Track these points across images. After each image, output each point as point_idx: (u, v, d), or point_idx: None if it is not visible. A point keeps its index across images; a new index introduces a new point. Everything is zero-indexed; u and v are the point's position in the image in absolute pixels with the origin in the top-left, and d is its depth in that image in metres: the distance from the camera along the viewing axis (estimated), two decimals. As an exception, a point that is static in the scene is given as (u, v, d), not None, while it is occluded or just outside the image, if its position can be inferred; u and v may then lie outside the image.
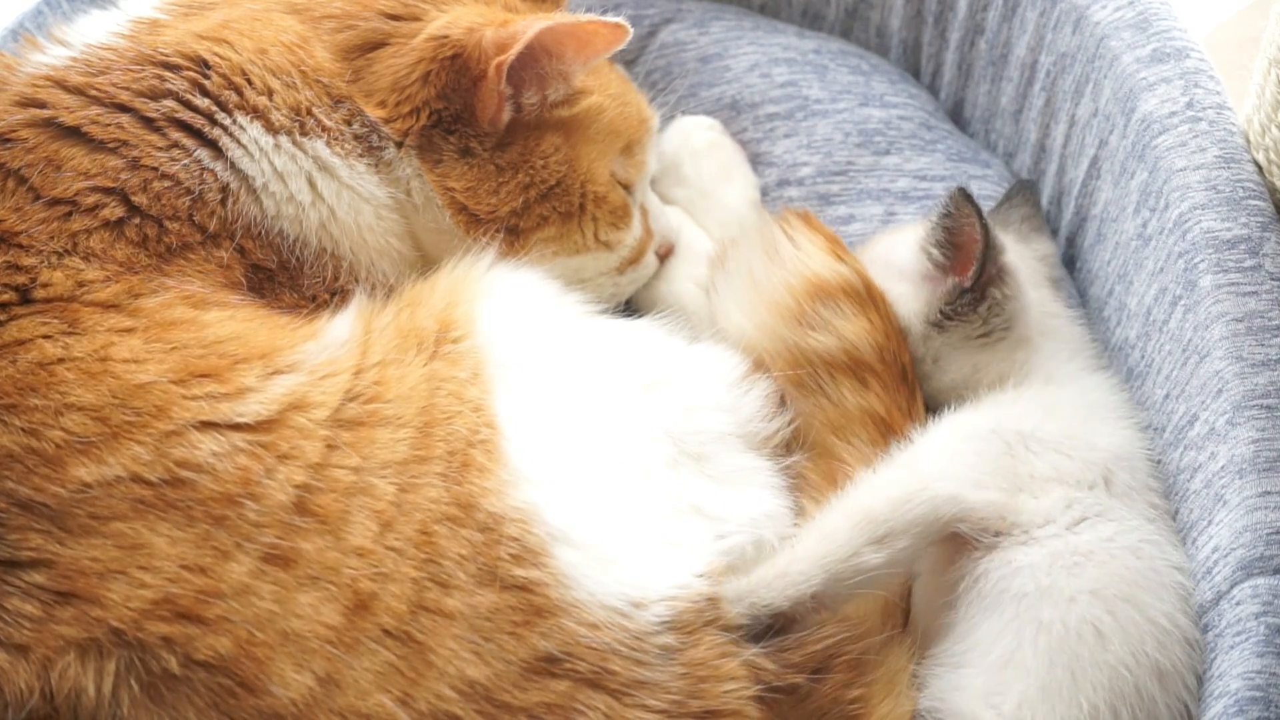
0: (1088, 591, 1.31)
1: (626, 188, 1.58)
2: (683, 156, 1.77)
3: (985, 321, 1.49)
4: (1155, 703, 1.30)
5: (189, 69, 1.39)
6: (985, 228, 1.46)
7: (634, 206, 1.59)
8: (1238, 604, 1.29)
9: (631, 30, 1.48)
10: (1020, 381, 1.48)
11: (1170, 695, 1.30)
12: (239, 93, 1.39)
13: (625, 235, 1.57)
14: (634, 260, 1.61)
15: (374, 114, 1.44)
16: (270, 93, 1.41)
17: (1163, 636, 1.31)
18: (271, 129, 1.40)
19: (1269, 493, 1.31)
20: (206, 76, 1.39)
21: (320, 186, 1.42)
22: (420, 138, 1.45)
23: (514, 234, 1.49)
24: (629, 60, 1.89)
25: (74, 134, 1.35)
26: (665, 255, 1.66)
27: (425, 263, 1.50)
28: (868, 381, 1.47)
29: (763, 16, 1.95)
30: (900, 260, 1.54)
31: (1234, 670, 1.26)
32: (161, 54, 1.40)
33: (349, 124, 1.44)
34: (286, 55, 1.43)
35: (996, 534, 1.36)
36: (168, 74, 1.39)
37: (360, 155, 1.44)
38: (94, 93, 1.37)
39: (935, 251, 1.49)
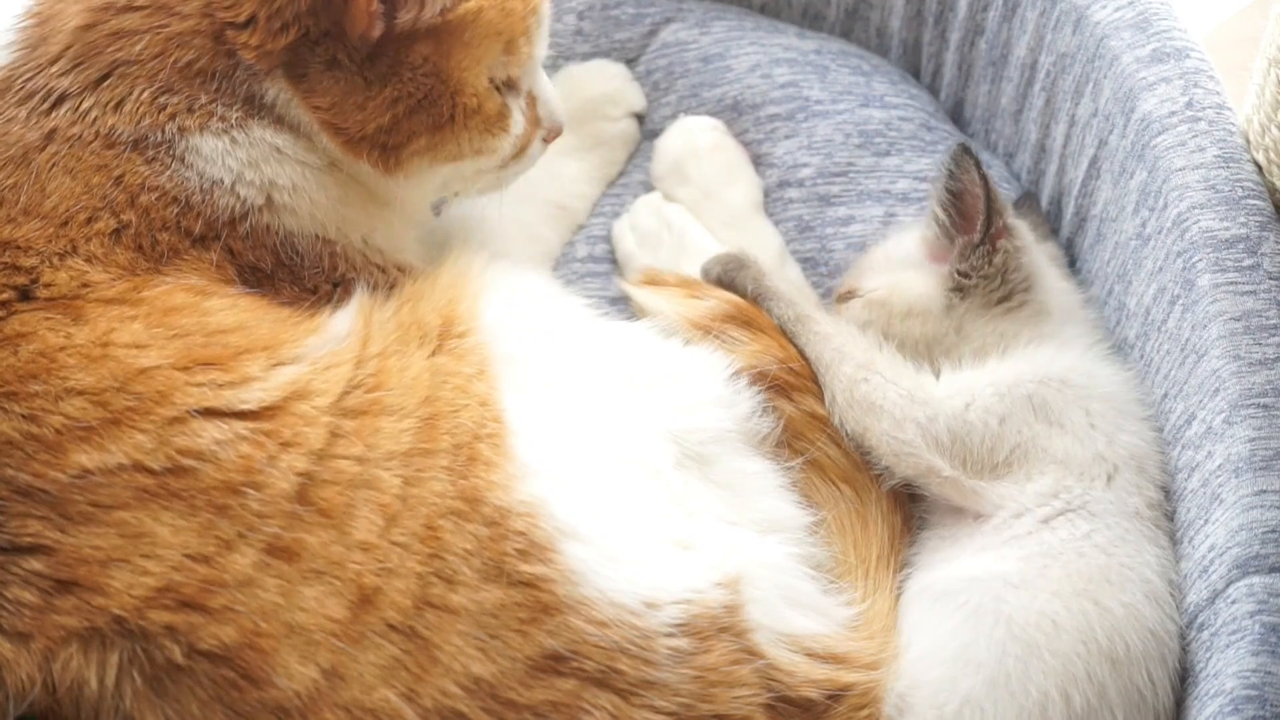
0: (1049, 592, 1.33)
1: (508, 84, 1.50)
2: (686, 157, 1.78)
3: (1004, 279, 1.50)
4: (1106, 688, 1.31)
5: (124, 106, 1.37)
6: (985, 179, 1.47)
7: (515, 105, 1.50)
8: (1233, 602, 1.29)
9: None
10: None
11: (1124, 680, 1.32)
12: (172, 118, 1.37)
13: (501, 140, 1.49)
14: (517, 155, 1.54)
15: (243, 43, 1.37)
16: (191, 110, 1.38)
17: (1118, 625, 1.32)
18: (216, 133, 1.38)
19: (1265, 491, 1.31)
20: (140, 114, 1.37)
21: (286, 168, 1.41)
22: (287, 53, 1.38)
23: (386, 151, 1.42)
24: (630, 59, 1.90)
25: (52, 166, 1.35)
26: (553, 139, 1.58)
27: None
28: (790, 394, 1.49)
29: (763, 17, 1.95)
30: (904, 251, 1.55)
31: (1229, 669, 1.27)
32: (60, 71, 1.38)
33: (236, 92, 1.38)
34: (154, 54, 1.38)
35: (975, 516, 1.41)
36: (107, 115, 1.36)
37: (268, 121, 1.40)
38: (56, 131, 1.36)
39: (941, 212, 1.50)
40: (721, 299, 1.54)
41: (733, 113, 1.84)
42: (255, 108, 1.39)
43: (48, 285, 1.30)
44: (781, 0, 1.96)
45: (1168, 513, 1.42)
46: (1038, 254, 1.55)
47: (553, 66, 1.89)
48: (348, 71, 1.39)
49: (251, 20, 1.37)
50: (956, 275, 1.50)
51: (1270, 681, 1.24)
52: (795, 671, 1.30)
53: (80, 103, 1.36)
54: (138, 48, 1.37)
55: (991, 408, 1.42)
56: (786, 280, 1.63)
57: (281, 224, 1.40)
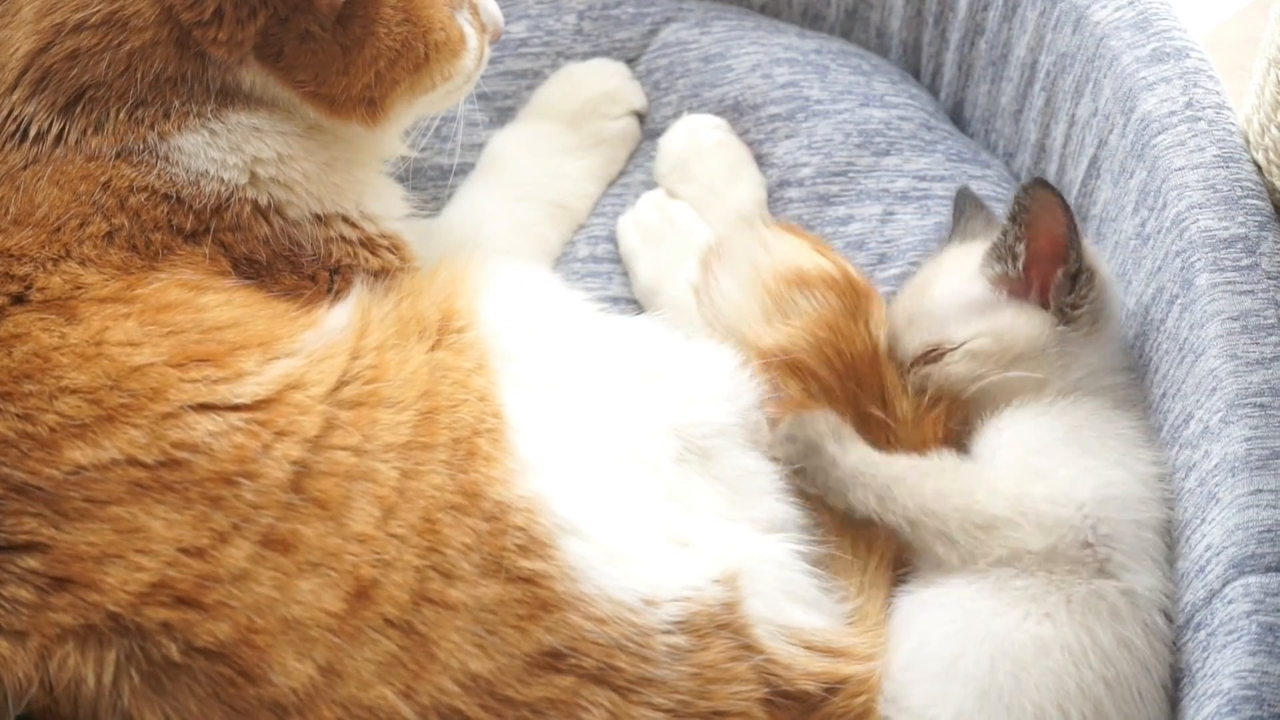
0: (1042, 613, 1.33)
1: (455, 3, 1.51)
2: (690, 155, 1.78)
3: (1101, 300, 1.46)
4: (1103, 703, 1.31)
5: (104, 128, 1.38)
6: (1066, 206, 1.42)
7: (465, 21, 1.52)
8: (1229, 602, 1.29)
9: None
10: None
11: (1118, 699, 1.31)
12: (151, 127, 1.38)
13: (465, 60, 1.52)
14: (477, 64, 1.55)
15: (212, 39, 1.37)
16: (167, 116, 1.38)
17: (1109, 652, 1.32)
18: (195, 130, 1.39)
19: (1261, 490, 1.31)
20: (120, 133, 1.38)
21: (268, 141, 1.41)
22: (258, 37, 1.38)
23: (372, 104, 1.45)
24: (630, 58, 1.90)
25: (37, 180, 1.36)
26: (496, 39, 1.60)
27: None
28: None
29: (764, 16, 1.95)
30: (974, 293, 1.47)
31: (1226, 669, 1.26)
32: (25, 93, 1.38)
33: (209, 89, 1.39)
34: (119, 73, 1.37)
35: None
36: (88, 138, 1.37)
37: (242, 105, 1.41)
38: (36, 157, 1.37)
39: (1021, 247, 1.44)
40: (837, 266, 1.51)
41: (734, 113, 1.84)
42: (229, 97, 1.40)
43: (41, 289, 1.31)
44: (781, 0, 1.96)
45: (1169, 536, 1.41)
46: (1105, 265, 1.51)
47: (553, 66, 1.89)
48: (323, 42, 1.39)
49: (217, 14, 1.36)
50: (1065, 309, 1.44)
51: (1267, 681, 1.24)
52: (794, 665, 1.30)
53: (53, 129, 1.37)
54: (101, 68, 1.37)
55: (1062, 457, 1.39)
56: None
57: (273, 201, 1.41)
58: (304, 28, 1.39)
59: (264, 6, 1.37)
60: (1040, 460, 1.39)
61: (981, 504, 1.36)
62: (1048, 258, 1.45)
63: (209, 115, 1.39)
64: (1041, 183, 1.43)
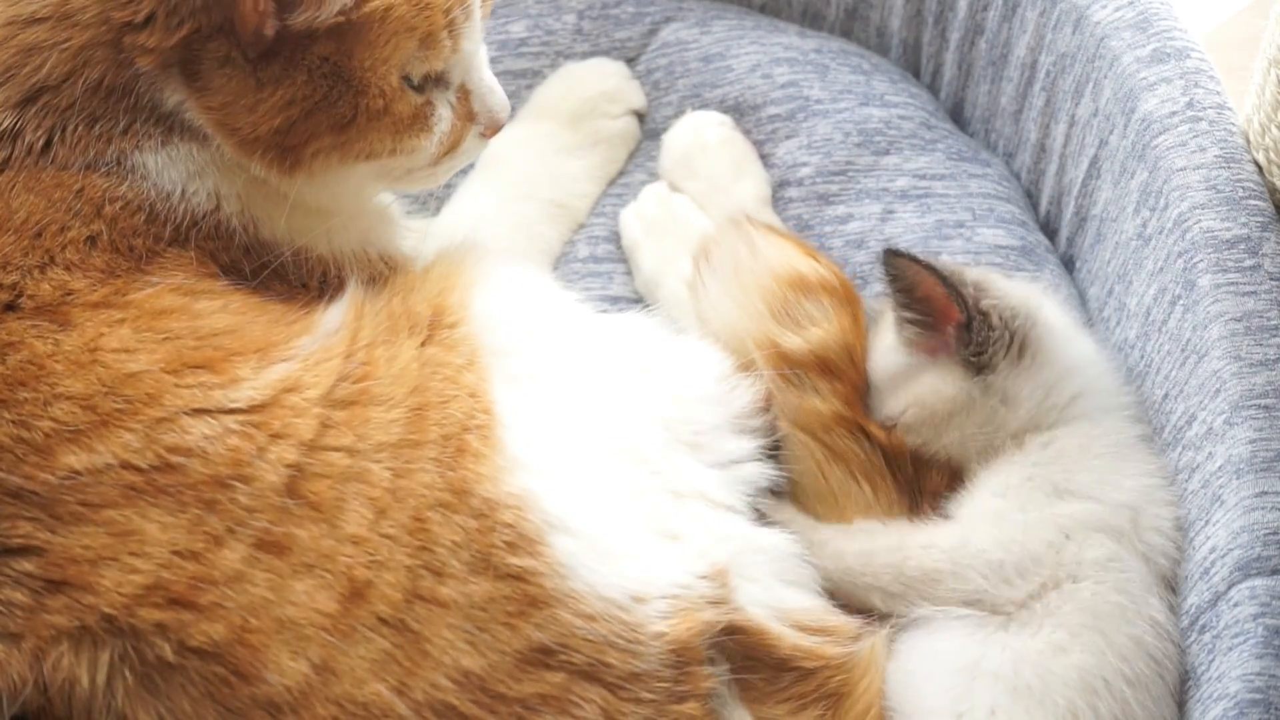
0: (1052, 625, 1.32)
1: (435, 79, 1.41)
2: (694, 151, 1.78)
3: (1009, 329, 1.43)
4: (1129, 703, 1.30)
5: (64, 138, 1.35)
6: (925, 264, 1.41)
7: (441, 100, 1.42)
8: (1235, 605, 1.29)
9: None
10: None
11: (1143, 694, 1.31)
12: (109, 142, 1.34)
13: (422, 139, 1.40)
14: (449, 150, 1.45)
15: (140, 45, 1.31)
16: (125, 133, 1.35)
17: (1127, 652, 1.32)
18: (153, 151, 1.35)
19: (1265, 493, 1.31)
20: (81, 145, 1.35)
21: (227, 179, 1.37)
22: (181, 50, 1.31)
23: (284, 152, 1.35)
24: (630, 58, 1.90)
25: (12, 186, 1.33)
26: (492, 134, 1.49)
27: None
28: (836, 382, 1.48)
29: (764, 16, 1.95)
30: (897, 363, 1.47)
31: (1233, 672, 1.26)
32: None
33: (141, 107, 1.34)
34: (64, 75, 1.34)
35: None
36: (55, 146, 1.34)
37: (188, 137, 1.36)
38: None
39: (909, 314, 1.43)
40: (831, 270, 1.51)
41: (734, 112, 1.84)
42: (167, 125, 1.35)
43: (32, 297, 1.29)
44: (781, 0, 1.96)
45: (1178, 546, 1.40)
46: (1017, 286, 1.50)
47: (552, 65, 1.89)
48: (240, 70, 1.32)
49: (150, 19, 1.31)
50: (971, 360, 1.43)
51: (1274, 685, 1.24)
52: (780, 646, 1.31)
53: (15, 128, 1.34)
54: (46, 68, 1.33)
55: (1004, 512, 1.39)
56: None
57: (246, 224, 1.38)
58: (226, 52, 1.32)
59: (191, 19, 1.31)
60: (1001, 503, 1.39)
61: (916, 559, 1.38)
62: (946, 310, 1.43)
63: (160, 141, 1.35)
64: (891, 253, 1.42)
